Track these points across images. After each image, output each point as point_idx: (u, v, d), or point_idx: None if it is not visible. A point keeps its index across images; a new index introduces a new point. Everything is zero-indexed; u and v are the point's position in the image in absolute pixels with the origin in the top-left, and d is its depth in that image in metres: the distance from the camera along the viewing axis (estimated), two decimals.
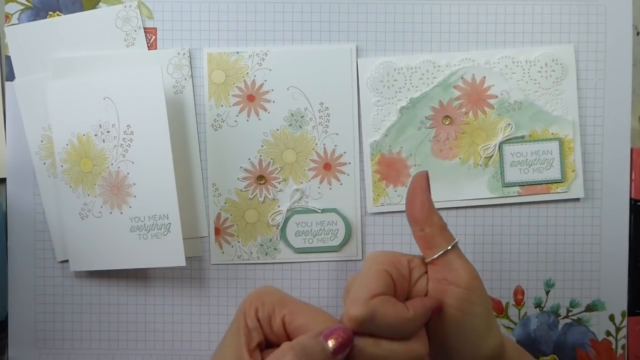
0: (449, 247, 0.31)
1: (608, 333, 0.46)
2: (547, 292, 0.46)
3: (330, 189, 0.45)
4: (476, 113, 0.45)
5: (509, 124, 0.45)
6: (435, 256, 0.31)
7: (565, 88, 0.45)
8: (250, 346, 0.29)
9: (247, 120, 0.44)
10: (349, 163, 0.45)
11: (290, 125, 0.45)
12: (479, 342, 0.31)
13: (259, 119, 0.44)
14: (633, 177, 0.46)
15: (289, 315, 0.29)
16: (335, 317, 0.29)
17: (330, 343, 0.28)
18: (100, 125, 0.42)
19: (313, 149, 0.45)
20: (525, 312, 0.46)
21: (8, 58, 0.44)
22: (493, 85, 0.45)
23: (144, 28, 0.44)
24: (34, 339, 0.45)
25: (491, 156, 0.45)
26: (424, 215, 0.31)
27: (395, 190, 0.45)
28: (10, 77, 0.44)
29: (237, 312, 0.30)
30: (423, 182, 0.32)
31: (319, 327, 0.28)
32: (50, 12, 0.44)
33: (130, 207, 0.42)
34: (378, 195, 0.45)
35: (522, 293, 0.46)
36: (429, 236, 0.31)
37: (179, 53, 0.44)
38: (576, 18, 0.45)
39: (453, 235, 0.32)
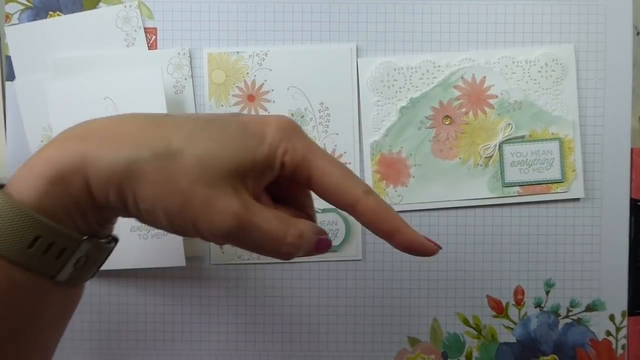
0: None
1: (608, 333, 0.46)
2: (547, 292, 0.46)
3: None
4: (476, 113, 0.45)
5: (509, 124, 0.45)
6: None
7: (565, 88, 0.45)
8: (258, 184, 0.27)
9: None
10: (349, 163, 0.45)
11: None
12: None
13: None
14: (633, 177, 0.46)
15: (319, 175, 0.27)
16: (365, 183, 0.28)
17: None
18: None
19: None
20: (526, 312, 0.46)
21: (8, 58, 0.44)
22: (493, 85, 0.45)
23: (144, 28, 0.44)
24: None
25: (491, 156, 0.45)
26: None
27: (395, 190, 0.45)
28: (10, 77, 0.44)
29: (254, 124, 0.26)
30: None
31: (346, 194, 0.27)
32: (50, 12, 0.44)
33: None
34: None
35: (522, 293, 0.46)
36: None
37: (179, 53, 0.44)
38: (576, 18, 0.45)
39: None
